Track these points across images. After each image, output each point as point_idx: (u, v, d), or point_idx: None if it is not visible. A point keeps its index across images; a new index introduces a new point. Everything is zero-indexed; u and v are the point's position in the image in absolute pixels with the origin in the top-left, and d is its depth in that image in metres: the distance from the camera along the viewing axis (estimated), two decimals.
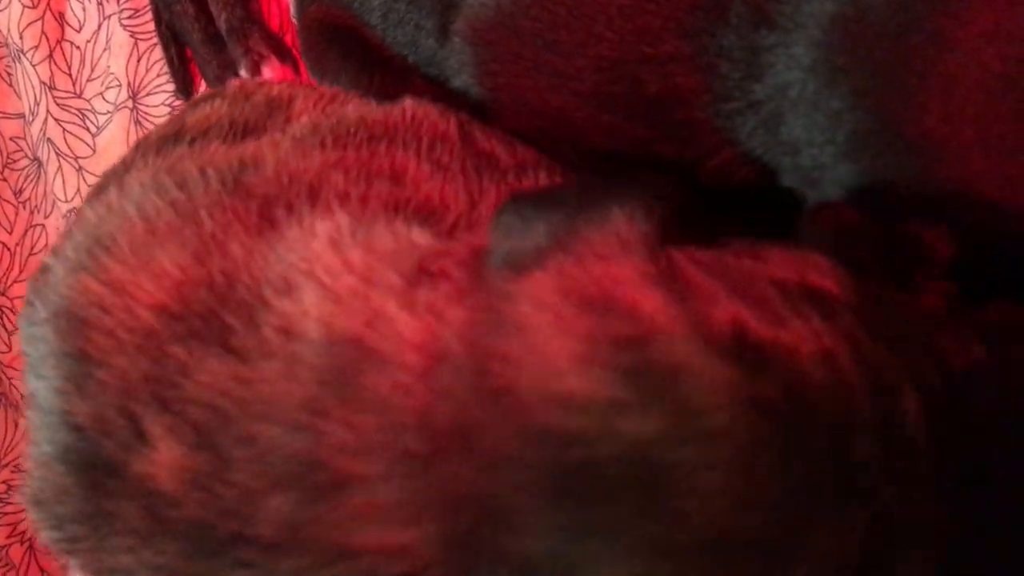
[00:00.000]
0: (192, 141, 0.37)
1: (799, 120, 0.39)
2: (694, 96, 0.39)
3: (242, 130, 0.37)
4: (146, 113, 0.73)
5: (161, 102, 0.72)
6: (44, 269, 0.33)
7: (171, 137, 0.37)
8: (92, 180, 0.77)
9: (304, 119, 0.38)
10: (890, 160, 0.37)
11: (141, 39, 0.72)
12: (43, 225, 0.83)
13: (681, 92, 0.39)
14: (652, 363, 0.23)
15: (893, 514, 0.24)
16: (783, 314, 0.25)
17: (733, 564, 0.22)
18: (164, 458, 0.27)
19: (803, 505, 0.23)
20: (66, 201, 0.78)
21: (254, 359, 0.27)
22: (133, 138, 0.74)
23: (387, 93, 0.44)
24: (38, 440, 0.31)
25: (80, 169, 0.77)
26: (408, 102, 0.40)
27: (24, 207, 0.81)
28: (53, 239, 0.85)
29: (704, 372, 0.23)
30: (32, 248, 0.85)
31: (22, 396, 0.39)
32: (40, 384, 0.31)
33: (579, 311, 0.25)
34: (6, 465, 0.81)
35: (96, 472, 0.29)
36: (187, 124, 0.38)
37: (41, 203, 0.82)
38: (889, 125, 0.34)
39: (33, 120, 0.78)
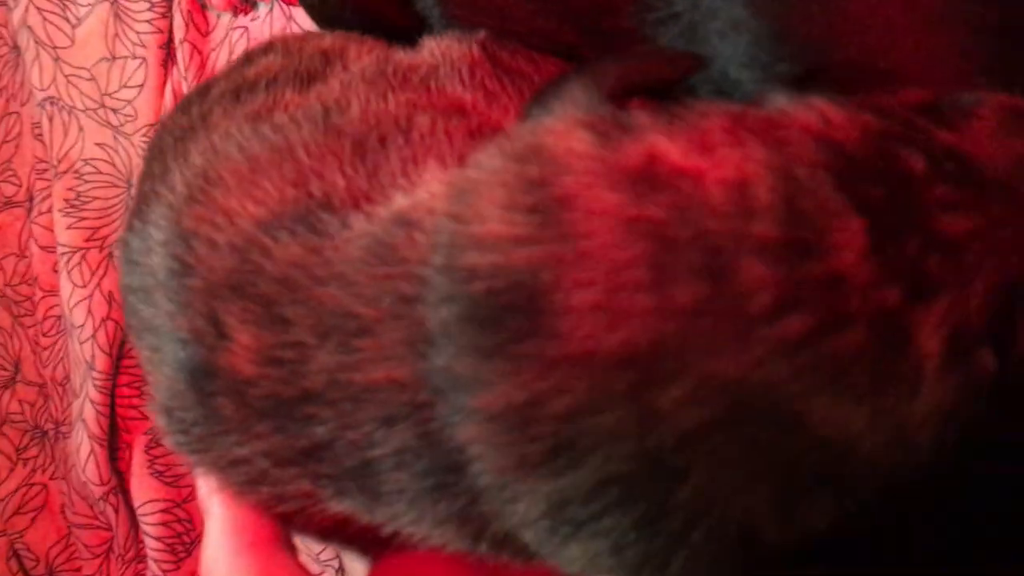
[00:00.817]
0: (267, 89, 0.40)
1: (711, 31, 0.44)
2: (622, 4, 0.45)
3: (307, 79, 0.40)
4: (126, 8, 0.76)
5: None
6: (153, 199, 0.37)
7: (244, 87, 0.40)
8: (69, 71, 0.80)
9: (364, 62, 0.41)
10: (783, 68, 0.43)
11: None
12: (18, 113, 0.86)
13: (610, 0, 0.44)
14: (553, 199, 0.25)
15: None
16: (715, 144, 0.25)
17: (606, 378, 0.23)
18: (241, 345, 0.31)
19: (678, 324, 0.23)
20: (42, 89, 0.81)
21: (332, 232, 0.30)
22: (112, 32, 0.77)
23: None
24: (158, 361, 0.34)
25: (57, 59, 0.80)
26: (429, 41, 0.42)
27: (0, 94, 0.84)
28: (28, 128, 0.87)
29: (593, 199, 0.24)
30: (6, 136, 0.87)
31: None
32: (152, 311, 0.34)
33: (510, 162, 0.27)
34: None
35: (199, 377, 0.32)
36: (249, 76, 0.41)
37: (18, 91, 0.84)
38: (781, 32, 0.40)
39: (15, 7, 0.81)
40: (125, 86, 0.77)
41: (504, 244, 0.25)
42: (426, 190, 0.31)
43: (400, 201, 0.31)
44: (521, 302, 0.24)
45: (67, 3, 0.77)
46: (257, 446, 0.31)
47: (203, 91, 0.44)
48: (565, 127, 0.27)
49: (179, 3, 0.74)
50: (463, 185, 0.28)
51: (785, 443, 0.23)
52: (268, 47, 0.46)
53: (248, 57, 0.46)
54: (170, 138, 0.40)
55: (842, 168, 0.24)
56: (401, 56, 0.42)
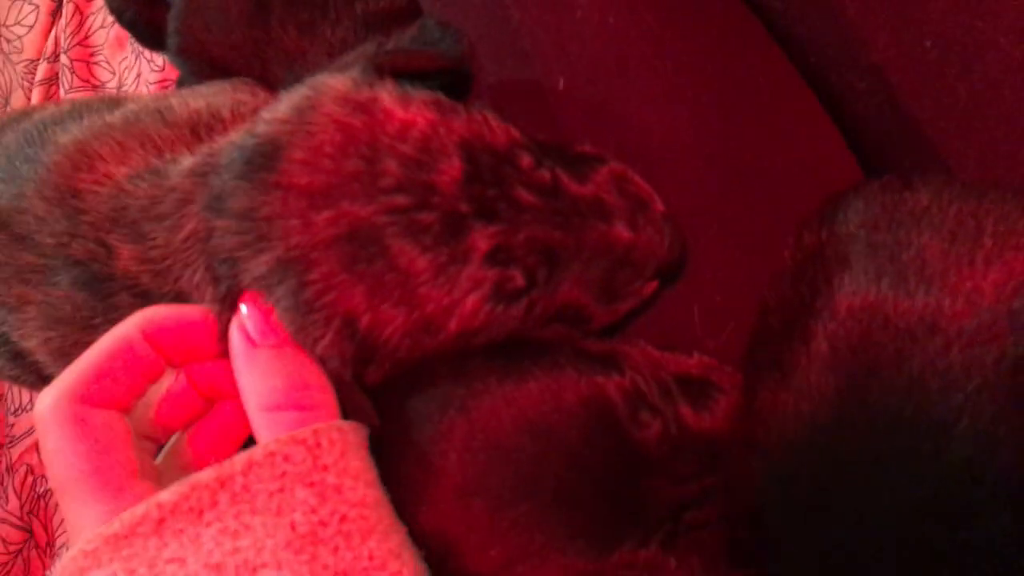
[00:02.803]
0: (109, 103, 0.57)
1: None
2: None
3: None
4: None
5: None
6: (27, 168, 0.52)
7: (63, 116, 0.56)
8: None
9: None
10: None
11: None
12: None
13: None
14: (309, 104, 0.42)
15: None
16: (409, 104, 0.41)
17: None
18: (124, 255, 0.45)
19: (340, 180, 0.38)
20: None
21: (170, 173, 0.46)
22: None
23: None
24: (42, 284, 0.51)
25: None
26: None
27: None
28: None
29: (328, 108, 0.40)
30: None
31: None
32: (33, 254, 0.50)
33: (304, 87, 0.44)
34: None
35: (99, 284, 0.46)
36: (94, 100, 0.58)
37: None
38: None
39: None
40: (19, 23, 0.97)
41: (280, 122, 0.41)
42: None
43: (212, 146, 0.47)
44: (270, 152, 0.40)
45: None
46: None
47: (17, 116, 0.59)
48: (340, 76, 0.43)
49: None
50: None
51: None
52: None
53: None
54: (11, 142, 0.55)
55: (470, 137, 0.41)
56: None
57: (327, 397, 0.40)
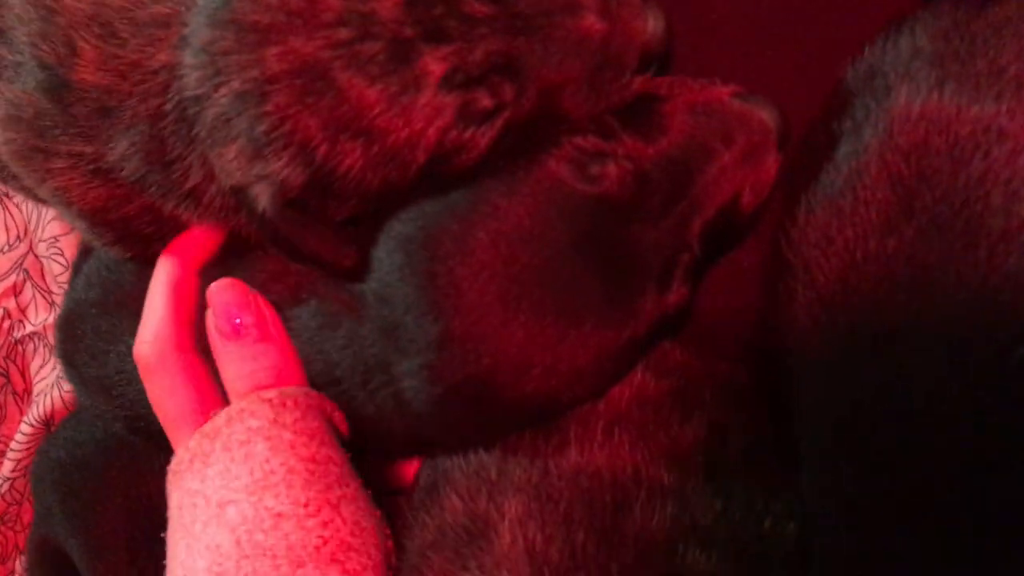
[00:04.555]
0: None
1: None
2: None
3: None
4: None
5: None
6: None
7: None
8: None
9: None
10: None
11: None
12: None
13: None
14: None
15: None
16: None
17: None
18: (87, 59, 0.47)
19: (288, 26, 0.40)
20: None
21: None
22: None
23: None
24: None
25: None
26: None
27: None
28: None
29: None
30: None
31: None
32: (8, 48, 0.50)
33: None
34: None
35: (60, 91, 0.48)
36: None
37: None
38: None
39: None
40: None
41: None
42: None
43: None
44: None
45: None
46: (99, 144, 0.48)
47: None
48: None
49: None
50: None
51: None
52: None
53: None
54: None
55: None
56: None
57: (297, 369, 0.48)
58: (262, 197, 0.42)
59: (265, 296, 0.49)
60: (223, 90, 0.41)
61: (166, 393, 0.49)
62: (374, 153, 0.41)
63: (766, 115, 0.44)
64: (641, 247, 0.43)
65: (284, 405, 0.45)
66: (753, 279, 0.47)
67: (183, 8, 0.45)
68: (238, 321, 0.47)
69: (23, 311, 0.93)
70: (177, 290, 0.50)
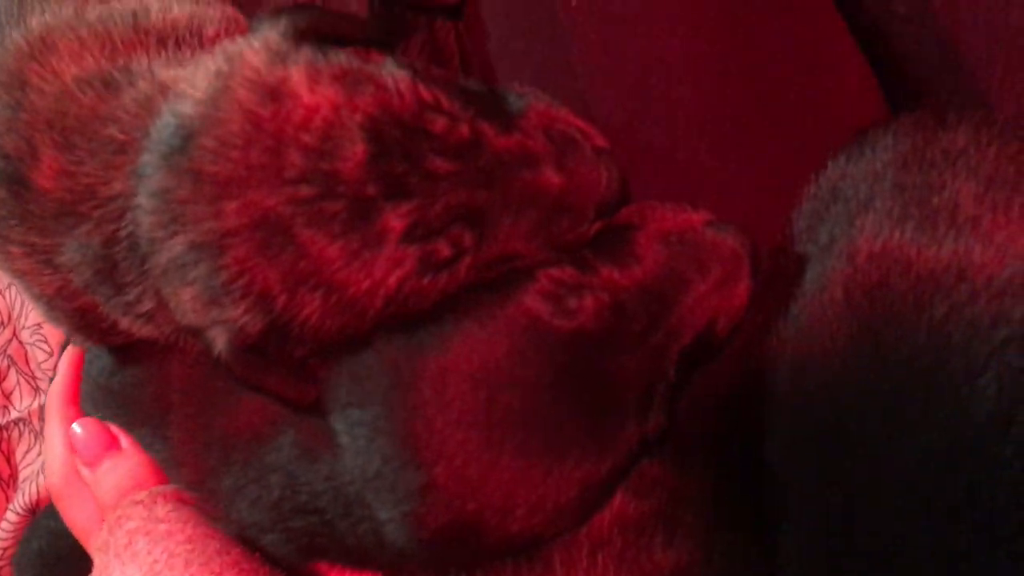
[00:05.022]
0: None
1: None
2: None
3: None
4: None
5: None
6: None
7: None
8: None
9: None
10: None
11: None
12: None
13: None
14: (225, 84, 0.43)
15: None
16: (321, 83, 0.42)
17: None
18: (45, 164, 0.48)
19: (235, 168, 0.41)
20: None
21: (121, 89, 0.47)
22: None
23: None
24: None
25: None
26: None
27: None
28: None
29: (238, 93, 0.42)
30: None
31: None
32: None
33: (220, 57, 0.45)
34: None
35: (17, 185, 0.49)
36: None
37: None
38: None
39: None
40: None
41: (197, 103, 0.43)
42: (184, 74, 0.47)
43: (168, 74, 0.48)
44: (184, 137, 0.43)
45: None
46: (52, 239, 0.50)
47: None
48: (257, 44, 0.45)
49: None
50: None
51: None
52: None
53: None
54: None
55: (376, 113, 0.41)
56: None
57: (156, 473, 0.55)
58: (218, 341, 0.43)
59: (245, 424, 0.50)
60: (179, 238, 0.41)
61: (75, 512, 0.58)
62: (333, 303, 0.41)
63: (737, 243, 0.45)
64: (620, 378, 0.43)
65: (155, 501, 0.52)
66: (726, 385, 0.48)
67: (139, 135, 0.45)
68: (95, 451, 0.56)
69: (7, 397, 0.93)
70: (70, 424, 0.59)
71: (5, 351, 0.92)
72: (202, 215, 0.41)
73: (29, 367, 0.92)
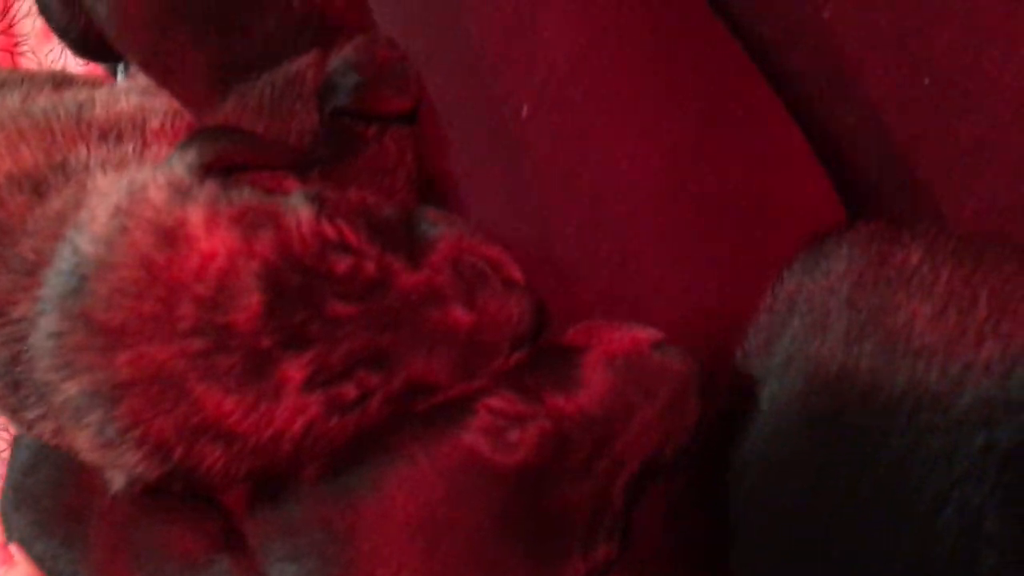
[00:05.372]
0: (26, 83, 0.57)
1: None
2: None
3: (59, 84, 0.58)
4: None
5: None
6: None
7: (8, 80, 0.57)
8: None
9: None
10: None
11: None
12: None
13: None
14: (122, 225, 0.42)
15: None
16: (219, 225, 0.41)
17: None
18: None
19: (129, 316, 0.39)
20: None
21: (50, 196, 0.48)
22: None
23: None
24: None
25: None
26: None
27: None
28: None
29: (137, 235, 0.41)
30: None
31: None
32: None
33: (123, 193, 0.44)
34: None
35: None
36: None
37: None
38: None
39: None
40: None
41: (95, 241, 0.42)
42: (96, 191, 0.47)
43: (96, 181, 0.47)
44: (78, 281, 0.42)
45: None
46: None
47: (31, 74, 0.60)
48: (163, 178, 0.44)
49: None
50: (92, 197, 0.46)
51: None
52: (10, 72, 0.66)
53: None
54: None
55: (274, 259, 0.40)
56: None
57: None
58: (115, 482, 0.42)
59: (178, 545, 0.48)
60: (72, 383, 0.40)
61: None
62: (236, 451, 0.40)
63: (684, 366, 0.43)
64: (564, 511, 0.41)
65: None
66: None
67: (48, 256, 0.44)
68: None
69: None
70: None
71: None
72: (95, 363, 0.40)
73: None
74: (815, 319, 0.43)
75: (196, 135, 0.47)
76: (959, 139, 0.43)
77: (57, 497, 0.55)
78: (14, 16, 0.87)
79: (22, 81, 0.55)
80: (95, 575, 0.53)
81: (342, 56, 0.50)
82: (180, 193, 0.42)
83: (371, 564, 0.40)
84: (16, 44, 0.87)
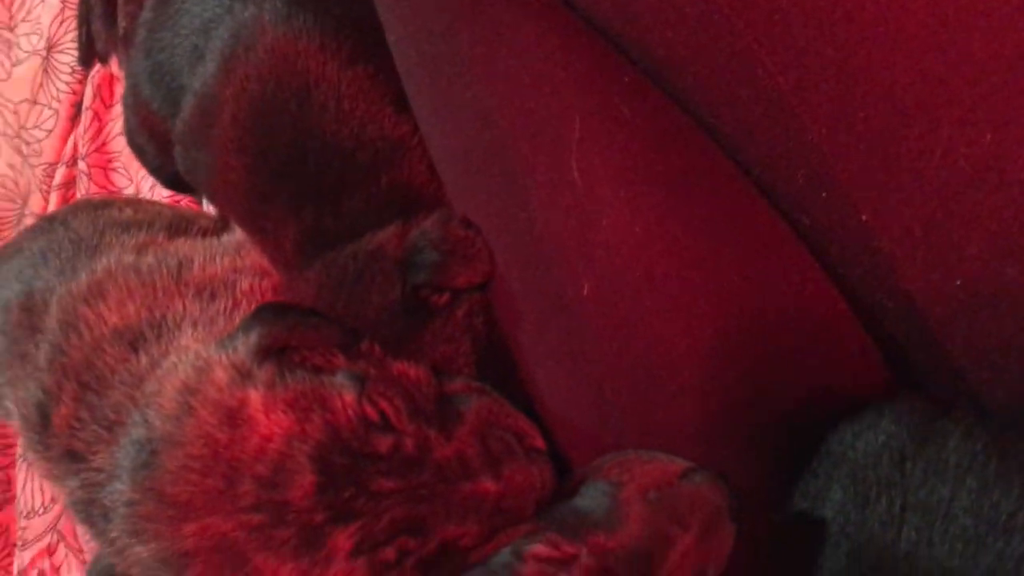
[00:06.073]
0: (146, 229, 0.64)
1: None
2: None
3: (175, 230, 0.65)
4: (55, 66, 0.99)
5: (67, 62, 0.97)
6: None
7: (131, 223, 0.64)
8: (1, 100, 1.02)
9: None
10: None
11: (69, 7, 0.97)
12: None
13: None
14: (189, 404, 0.49)
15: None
16: (276, 408, 0.47)
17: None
18: (62, 412, 0.54)
19: (196, 488, 0.45)
20: None
21: (148, 353, 0.54)
22: (38, 81, 0.99)
23: None
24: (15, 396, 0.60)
25: None
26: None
27: None
28: None
29: (202, 414, 0.48)
30: None
31: None
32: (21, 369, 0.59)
33: (190, 368, 0.51)
34: None
35: (44, 415, 0.56)
36: (127, 216, 0.65)
37: None
38: None
39: None
40: (37, 127, 1.01)
41: (164, 418, 0.49)
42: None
43: (183, 339, 0.54)
44: (149, 455, 0.48)
45: (12, 47, 1.00)
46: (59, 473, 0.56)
47: (98, 207, 0.68)
48: (227, 360, 0.50)
49: (93, 76, 0.96)
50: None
51: None
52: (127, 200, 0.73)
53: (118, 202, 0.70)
54: (79, 234, 0.62)
55: (325, 441, 0.46)
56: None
57: None
58: None
59: None
60: (143, 549, 0.46)
61: None
62: None
63: (714, 493, 0.47)
64: None
65: None
66: None
67: (125, 417, 0.50)
68: None
69: (56, 570, 0.98)
70: None
71: (55, 527, 0.97)
72: (163, 533, 0.46)
73: (78, 542, 0.97)
74: (857, 491, 0.46)
75: (257, 314, 0.53)
76: (988, 335, 0.47)
77: None
78: (108, 134, 0.95)
79: (142, 226, 0.63)
80: None
81: (421, 232, 0.56)
82: (241, 375, 0.48)
83: None
84: (110, 161, 0.95)
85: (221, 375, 0.48)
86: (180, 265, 0.58)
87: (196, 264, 0.58)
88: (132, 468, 0.47)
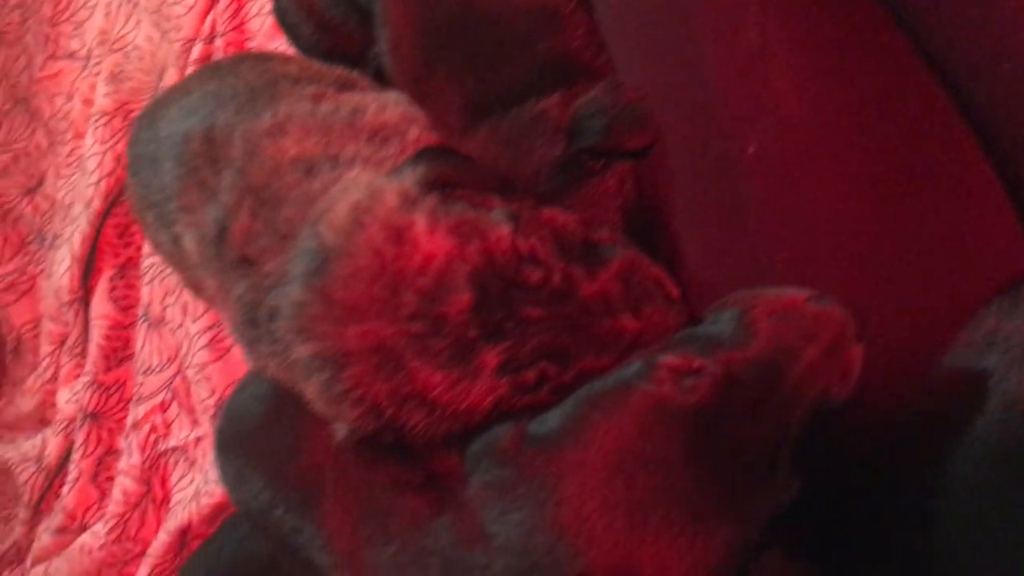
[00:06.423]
0: (317, 80, 0.67)
1: None
2: None
3: (342, 86, 0.68)
4: None
5: None
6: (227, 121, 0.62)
7: (304, 75, 0.67)
8: None
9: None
10: None
11: None
12: None
13: None
14: (360, 221, 0.52)
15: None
16: (442, 231, 0.50)
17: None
18: (241, 224, 0.57)
19: (365, 297, 0.48)
20: None
21: (322, 175, 0.56)
22: None
23: None
24: (185, 221, 0.63)
25: None
26: None
27: None
28: (102, 4, 1.15)
29: (370, 230, 0.50)
30: (85, 3, 1.13)
31: None
32: (196, 188, 0.62)
33: (363, 192, 0.54)
34: None
35: (223, 234, 0.59)
36: (293, 71, 0.68)
37: None
38: None
39: None
40: (178, 3, 1.05)
41: (336, 231, 0.52)
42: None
43: (354, 173, 0.57)
44: (321, 261, 0.52)
45: None
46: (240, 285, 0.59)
47: (262, 59, 0.72)
48: (396, 187, 0.54)
49: None
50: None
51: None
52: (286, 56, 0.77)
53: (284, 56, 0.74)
54: (251, 82, 0.66)
55: (482, 265, 0.49)
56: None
57: None
58: (339, 432, 0.52)
59: (405, 506, 0.55)
60: (306, 347, 0.49)
61: None
62: (436, 416, 0.49)
63: (841, 312, 0.48)
64: (744, 445, 0.47)
65: None
66: None
67: (296, 230, 0.53)
68: None
69: (168, 426, 1.04)
70: None
71: (169, 385, 1.03)
72: (328, 333, 0.49)
73: (190, 401, 1.03)
74: (1014, 356, 0.48)
75: (422, 154, 0.56)
76: None
77: (291, 460, 0.62)
78: (246, 14, 0.99)
79: (313, 79, 0.66)
80: (329, 532, 0.59)
81: (590, 98, 0.58)
82: (409, 201, 0.51)
83: (580, 500, 0.46)
84: (247, 40, 0.98)
85: (391, 198, 0.51)
86: (354, 112, 0.62)
87: (369, 112, 0.62)
88: (304, 273, 0.50)
